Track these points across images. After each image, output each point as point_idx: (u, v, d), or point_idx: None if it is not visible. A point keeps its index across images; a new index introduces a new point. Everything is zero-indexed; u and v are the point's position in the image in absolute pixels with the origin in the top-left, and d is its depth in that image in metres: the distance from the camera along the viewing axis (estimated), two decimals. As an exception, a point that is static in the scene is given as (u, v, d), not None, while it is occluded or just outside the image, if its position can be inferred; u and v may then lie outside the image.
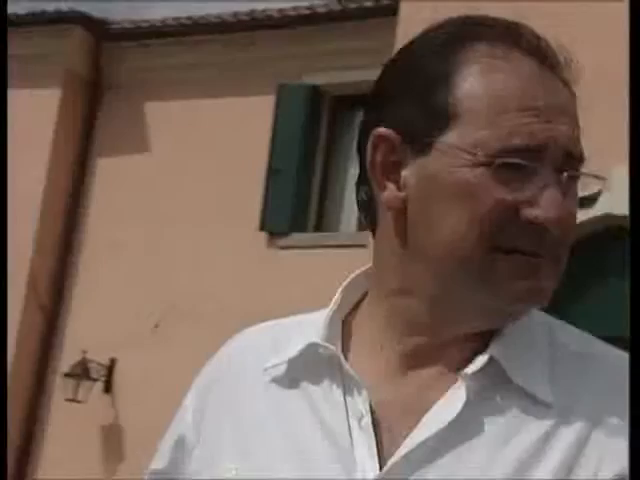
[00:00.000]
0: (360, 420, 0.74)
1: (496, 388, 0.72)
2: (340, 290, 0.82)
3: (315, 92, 8.65)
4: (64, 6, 8.79)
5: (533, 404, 0.71)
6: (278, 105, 8.56)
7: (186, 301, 8.35)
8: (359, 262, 0.90)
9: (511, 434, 0.70)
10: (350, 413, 0.75)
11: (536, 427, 0.70)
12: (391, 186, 0.74)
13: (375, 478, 0.71)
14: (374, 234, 0.80)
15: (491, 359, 0.72)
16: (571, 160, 0.72)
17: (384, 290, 0.77)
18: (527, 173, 0.70)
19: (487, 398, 0.72)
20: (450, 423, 0.70)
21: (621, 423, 0.70)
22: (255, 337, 0.87)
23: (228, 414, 0.81)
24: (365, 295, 0.82)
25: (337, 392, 0.76)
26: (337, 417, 0.75)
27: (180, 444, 0.85)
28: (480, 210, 0.70)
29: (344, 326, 0.80)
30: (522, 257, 0.71)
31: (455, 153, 0.70)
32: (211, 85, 8.76)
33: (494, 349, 0.73)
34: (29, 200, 8.73)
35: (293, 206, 8.43)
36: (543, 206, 0.69)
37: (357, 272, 0.84)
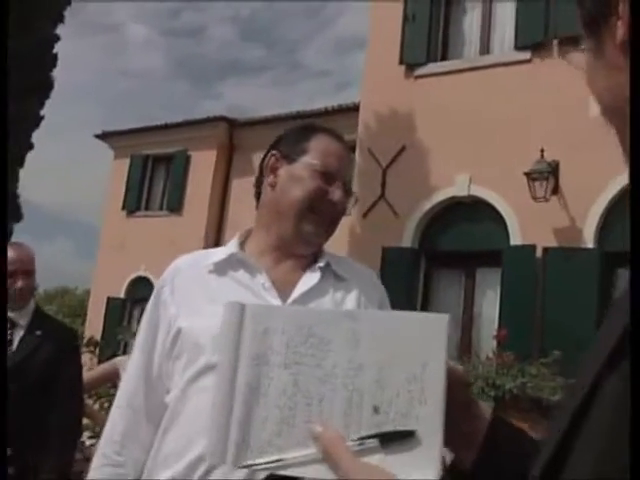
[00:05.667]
0: (264, 285, 1.50)
1: (327, 271, 1.58)
2: (237, 237, 1.62)
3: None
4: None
5: (341, 280, 1.58)
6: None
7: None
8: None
9: (336, 291, 1.56)
10: (259, 283, 1.51)
11: (342, 288, 1.58)
12: (272, 176, 1.61)
13: None
14: (258, 202, 1.65)
15: (327, 262, 1.59)
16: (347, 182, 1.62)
17: (264, 227, 1.60)
18: (332, 180, 1.56)
19: (324, 277, 1.56)
20: (312, 286, 1.53)
21: (371, 286, 1.63)
22: (190, 256, 1.64)
23: (187, 291, 1.52)
24: (247, 236, 1.64)
25: (247, 275, 1.53)
26: (252, 286, 1.50)
27: (159, 305, 1.56)
28: (310, 190, 1.54)
29: (242, 246, 1.61)
30: (320, 217, 1.55)
31: (305, 166, 1.57)
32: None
33: (325, 258, 1.60)
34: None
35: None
36: (337, 195, 1.55)
37: (239, 233, 1.65)
